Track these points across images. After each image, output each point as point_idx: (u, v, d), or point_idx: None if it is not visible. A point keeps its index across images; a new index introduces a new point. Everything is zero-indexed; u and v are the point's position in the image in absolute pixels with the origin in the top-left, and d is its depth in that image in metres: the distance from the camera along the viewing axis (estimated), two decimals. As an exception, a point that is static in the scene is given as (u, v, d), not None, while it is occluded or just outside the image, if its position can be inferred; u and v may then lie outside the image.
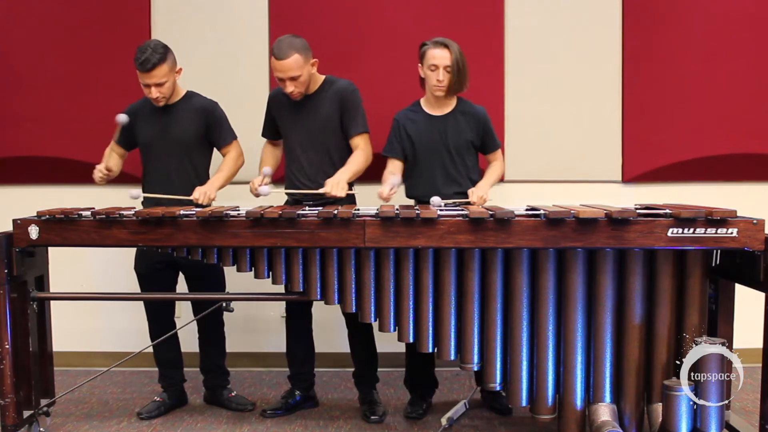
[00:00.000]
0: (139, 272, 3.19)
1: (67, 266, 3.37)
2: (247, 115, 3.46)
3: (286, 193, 3.17)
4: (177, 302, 3.40)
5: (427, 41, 3.06)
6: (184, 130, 3.12)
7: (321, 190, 2.94)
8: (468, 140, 3.09)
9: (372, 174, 3.16)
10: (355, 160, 3.06)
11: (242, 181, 3.27)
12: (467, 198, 2.95)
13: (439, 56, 2.98)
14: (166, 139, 3.10)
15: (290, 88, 2.98)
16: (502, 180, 3.40)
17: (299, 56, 2.93)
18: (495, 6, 3.72)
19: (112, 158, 3.13)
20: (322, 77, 3.11)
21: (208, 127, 3.16)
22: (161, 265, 3.15)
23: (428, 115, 3.12)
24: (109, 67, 3.72)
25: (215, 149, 3.25)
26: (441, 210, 2.65)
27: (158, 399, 3.21)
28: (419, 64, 3.09)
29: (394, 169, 3.12)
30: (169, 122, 3.11)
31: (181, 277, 3.27)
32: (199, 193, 2.99)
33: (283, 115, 3.15)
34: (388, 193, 2.93)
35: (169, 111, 3.12)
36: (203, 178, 3.16)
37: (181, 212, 2.64)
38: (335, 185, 2.93)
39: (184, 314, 3.58)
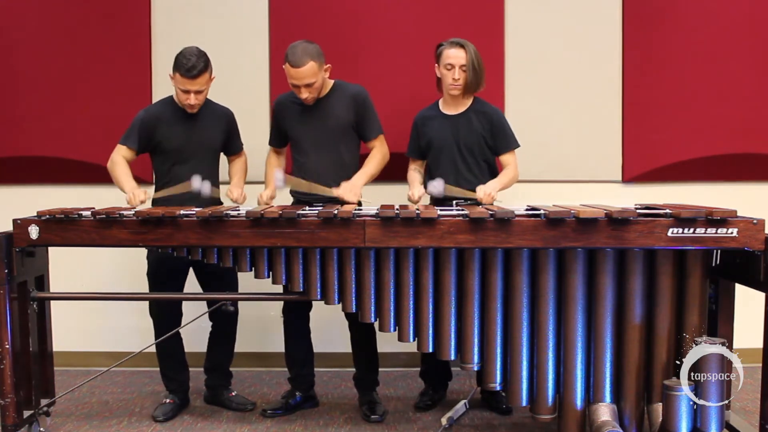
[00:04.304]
0: (156, 281, 3.15)
1: (67, 266, 3.37)
2: (247, 115, 3.45)
3: (293, 193, 3.16)
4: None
5: (443, 42, 3.09)
6: (213, 136, 3.16)
7: (334, 193, 2.97)
8: (479, 140, 3.09)
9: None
10: (372, 162, 3.12)
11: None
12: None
13: (454, 56, 3.02)
14: (196, 145, 3.11)
15: (305, 94, 3.00)
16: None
17: (314, 63, 2.94)
18: (495, 6, 3.72)
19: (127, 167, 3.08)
20: (332, 81, 3.13)
21: (228, 134, 3.21)
22: (178, 271, 3.15)
23: (443, 114, 3.15)
24: (110, 67, 3.72)
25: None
26: (442, 210, 2.65)
27: (169, 401, 3.18)
28: (436, 65, 3.12)
29: (417, 168, 3.21)
30: (199, 128, 3.12)
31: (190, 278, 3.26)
32: (237, 194, 3.06)
33: (292, 120, 3.14)
34: (418, 196, 3.00)
35: (195, 117, 3.12)
36: (217, 182, 3.19)
37: (181, 212, 2.64)
38: (349, 190, 2.96)
39: (185, 315, 3.57)
